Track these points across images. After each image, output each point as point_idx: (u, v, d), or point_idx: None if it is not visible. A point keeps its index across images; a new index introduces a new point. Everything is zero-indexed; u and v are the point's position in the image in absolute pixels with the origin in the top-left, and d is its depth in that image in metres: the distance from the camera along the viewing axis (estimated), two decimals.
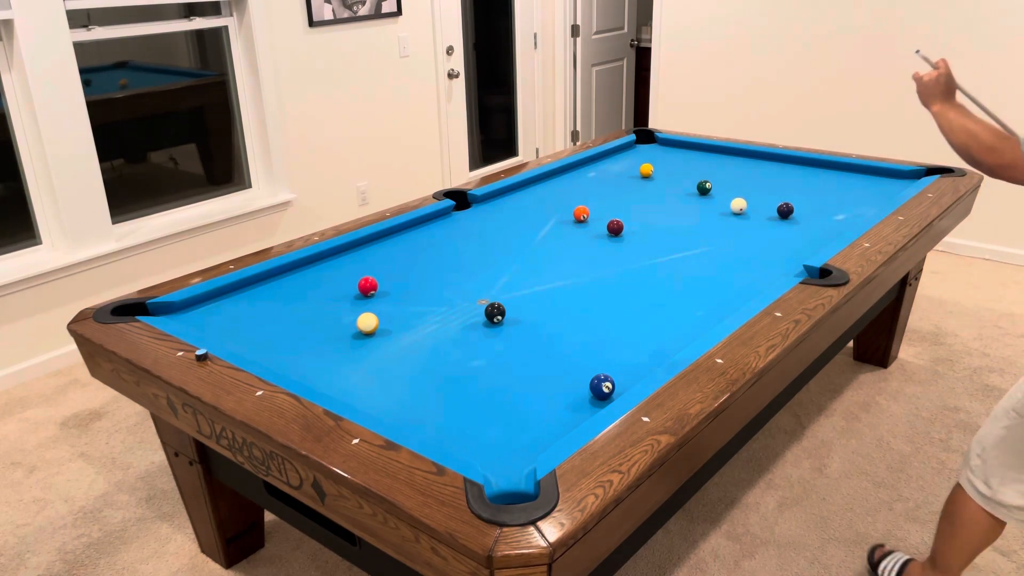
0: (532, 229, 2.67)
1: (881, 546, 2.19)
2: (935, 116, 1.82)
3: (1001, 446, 1.77)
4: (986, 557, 2.20)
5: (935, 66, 1.89)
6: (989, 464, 1.79)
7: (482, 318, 2.05)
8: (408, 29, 4.54)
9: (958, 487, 1.88)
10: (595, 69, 5.83)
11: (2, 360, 3.26)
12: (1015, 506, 1.77)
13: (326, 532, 1.80)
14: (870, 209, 2.70)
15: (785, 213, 2.67)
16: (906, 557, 2.11)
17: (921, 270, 3.13)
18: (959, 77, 4.05)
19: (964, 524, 1.86)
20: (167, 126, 3.81)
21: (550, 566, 1.21)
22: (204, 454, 2.06)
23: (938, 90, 1.83)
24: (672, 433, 1.47)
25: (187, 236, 3.76)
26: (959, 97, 1.97)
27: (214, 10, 3.75)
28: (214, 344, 1.86)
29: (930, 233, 2.53)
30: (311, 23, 4.00)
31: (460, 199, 2.91)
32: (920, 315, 3.60)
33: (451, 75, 4.89)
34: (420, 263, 2.42)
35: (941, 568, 1.95)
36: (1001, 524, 1.83)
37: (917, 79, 1.88)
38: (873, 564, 2.16)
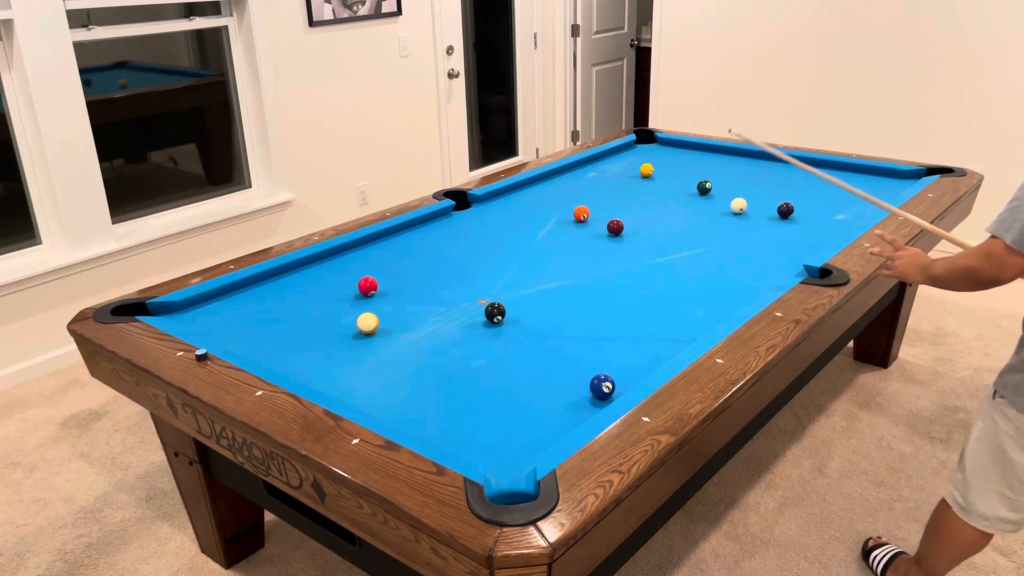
0: (532, 229, 2.67)
1: (876, 537, 2.22)
2: (932, 283, 1.75)
3: (974, 457, 1.78)
4: (986, 557, 2.20)
5: (893, 244, 1.87)
6: (966, 474, 1.80)
7: (482, 318, 2.05)
8: (408, 29, 4.54)
9: (943, 498, 1.90)
10: (595, 69, 5.82)
11: (2, 360, 3.26)
12: (995, 517, 1.77)
13: (326, 532, 1.80)
14: (870, 209, 2.69)
15: (785, 213, 2.67)
16: (897, 549, 2.14)
17: None
18: (965, 76, 4.05)
19: (947, 536, 1.88)
20: (167, 126, 3.81)
21: (550, 566, 1.21)
22: (204, 454, 2.06)
23: (918, 262, 1.80)
24: (672, 433, 1.47)
25: (187, 236, 3.76)
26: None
27: (214, 10, 3.74)
28: (214, 344, 1.86)
29: (930, 233, 2.53)
30: (311, 23, 4.00)
31: (460, 199, 2.91)
32: (920, 315, 3.59)
33: (451, 75, 4.89)
34: (420, 263, 2.42)
35: (926, 570, 1.98)
36: (987, 536, 1.84)
37: (892, 269, 1.85)
38: (865, 552, 2.19)
